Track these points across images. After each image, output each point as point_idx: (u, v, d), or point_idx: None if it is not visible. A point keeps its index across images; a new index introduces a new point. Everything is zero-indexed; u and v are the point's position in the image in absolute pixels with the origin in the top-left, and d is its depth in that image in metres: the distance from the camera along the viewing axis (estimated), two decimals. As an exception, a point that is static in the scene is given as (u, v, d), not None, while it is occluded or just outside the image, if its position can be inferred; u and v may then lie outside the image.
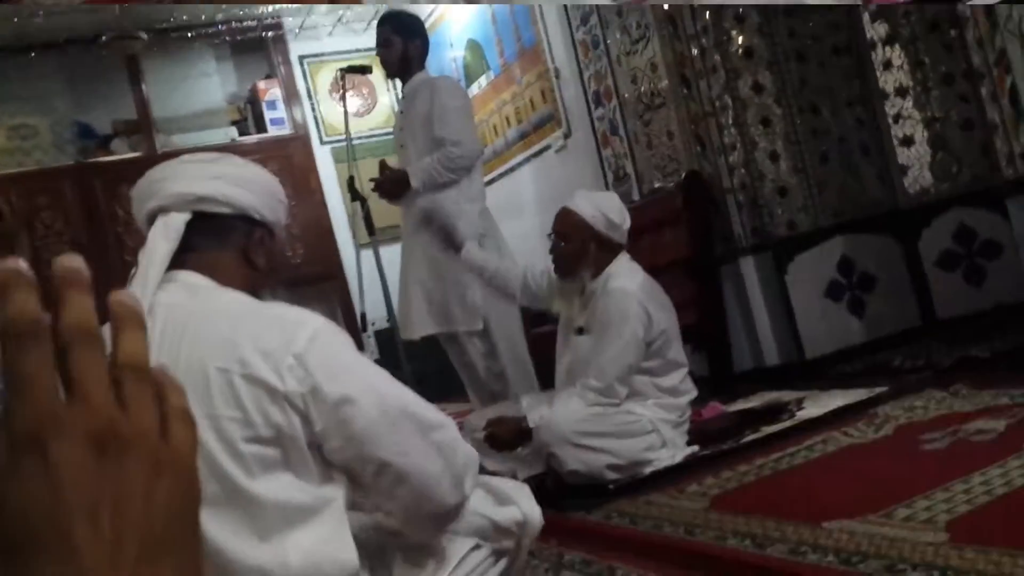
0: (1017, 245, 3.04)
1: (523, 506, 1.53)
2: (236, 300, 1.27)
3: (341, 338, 1.25)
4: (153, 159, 6.27)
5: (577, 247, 2.87)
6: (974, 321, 3.90)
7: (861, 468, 2.42)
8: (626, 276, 2.87)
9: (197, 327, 1.20)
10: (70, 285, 0.36)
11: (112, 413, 0.36)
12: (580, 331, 2.94)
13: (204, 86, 6.87)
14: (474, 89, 6.10)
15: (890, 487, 2.10)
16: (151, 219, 1.33)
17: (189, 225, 1.31)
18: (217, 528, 1.13)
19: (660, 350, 2.85)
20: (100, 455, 0.35)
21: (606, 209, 2.89)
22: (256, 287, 1.36)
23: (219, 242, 1.34)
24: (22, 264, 0.35)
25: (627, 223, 2.94)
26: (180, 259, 1.30)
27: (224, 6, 6.24)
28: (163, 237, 1.29)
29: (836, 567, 1.74)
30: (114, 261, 6.17)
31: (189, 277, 1.29)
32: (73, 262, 0.36)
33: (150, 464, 0.36)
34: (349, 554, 1.21)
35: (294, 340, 1.17)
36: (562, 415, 2.74)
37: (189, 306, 1.24)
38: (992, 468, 2.03)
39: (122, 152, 6.42)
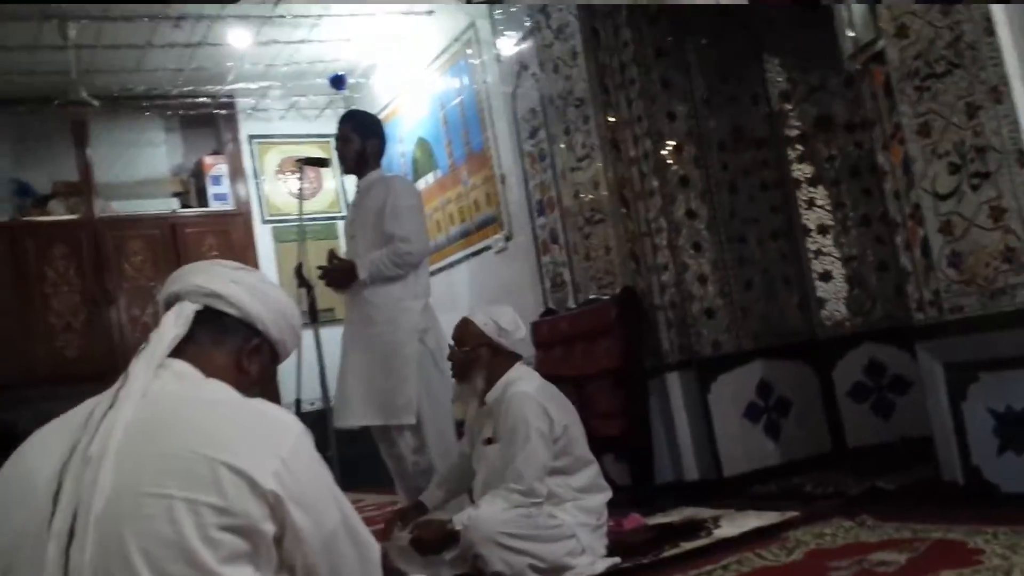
0: (923, 383, 3.26)
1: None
2: (223, 391, 1.33)
3: (311, 445, 1.33)
4: (91, 222, 6.31)
5: (470, 353, 3.07)
6: (881, 451, 4.11)
7: (772, 590, 2.52)
8: (523, 381, 3.03)
9: (187, 413, 1.26)
10: None
11: None
12: (489, 441, 3.05)
13: (150, 155, 6.91)
14: (421, 184, 6.27)
15: (798, 611, 2.19)
16: (168, 305, 1.43)
17: (197, 317, 1.40)
18: None
19: (567, 447, 2.97)
20: None
21: (498, 318, 3.09)
22: (241, 392, 1.43)
23: (218, 340, 1.41)
24: None
25: (520, 332, 3.12)
26: (179, 348, 1.37)
27: (180, 81, 6.33)
28: (173, 323, 1.38)
29: None
30: (36, 322, 6.05)
31: (181, 367, 1.35)
32: None
33: None
34: None
35: (282, 442, 1.24)
36: (488, 514, 2.80)
37: (179, 392, 1.30)
38: (893, 599, 2.15)
39: (59, 213, 6.37)
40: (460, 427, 3.83)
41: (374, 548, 1.39)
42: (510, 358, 3.10)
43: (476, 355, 3.06)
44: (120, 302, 6.20)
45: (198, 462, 1.19)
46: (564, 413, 3.01)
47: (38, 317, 6.05)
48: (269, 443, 1.24)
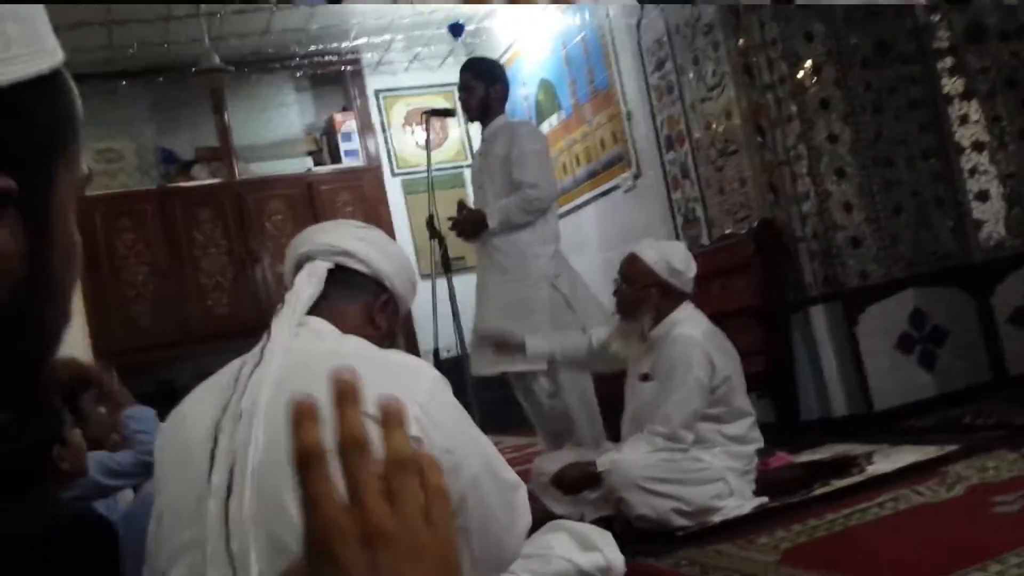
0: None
1: (607, 552, 1.59)
2: (360, 345, 1.37)
3: (449, 390, 1.35)
4: (232, 185, 6.57)
5: (639, 291, 2.96)
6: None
7: (933, 529, 2.42)
8: (689, 323, 2.92)
9: (327, 367, 1.29)
10: (343, 399, 0.45)
11: (380, 513, 0.44)
12: (645, 377, 2.99)
13: (283, 116, 7.10)
14: (545, 127, 6.21)
15: (963, 550, 2.10)
16: (298, 265, 1.48)
17: (329, 276, 1.44)
18: None
19: (724, 397, 2.89)
20: (374, 551, 0.43)
21: (670, 257, 2.97)
22: (374, 344, 1.45)
23: (350, 296, 1.46)
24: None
25: (692, 272, 3.00)
26: (314, 306, 1.42)
27: (306, 40, 6.46)
28: (307, 283, 1.42)
29: (911, 629, 1.76)
30: (188, 283, 6.39)
31: (318, 324, 1.40)
32: (347, 375, 0.45)
33: (413, 552, 0.44)
34: None
35: (419, 388, 1.27)
36: (631, 459, 2.79)
37: (319, 348, 1.34)
38: (1069, 536, 2.03)
39: (202, 178, 6.66)
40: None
41: (521, 489, 1.40)
42: (679, 297, 3.00)
43: (645, 294, 2.96)
44: (264, 260, 6.45)
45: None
46: (728, 361, 2.92)
47: (190, 278, 6.37)
48: (406, 390, 1.25)
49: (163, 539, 1.28)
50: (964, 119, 4.25)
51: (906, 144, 4.29)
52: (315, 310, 1.40)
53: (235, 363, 1.37)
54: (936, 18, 4.29)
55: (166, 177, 6.65)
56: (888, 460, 3.14)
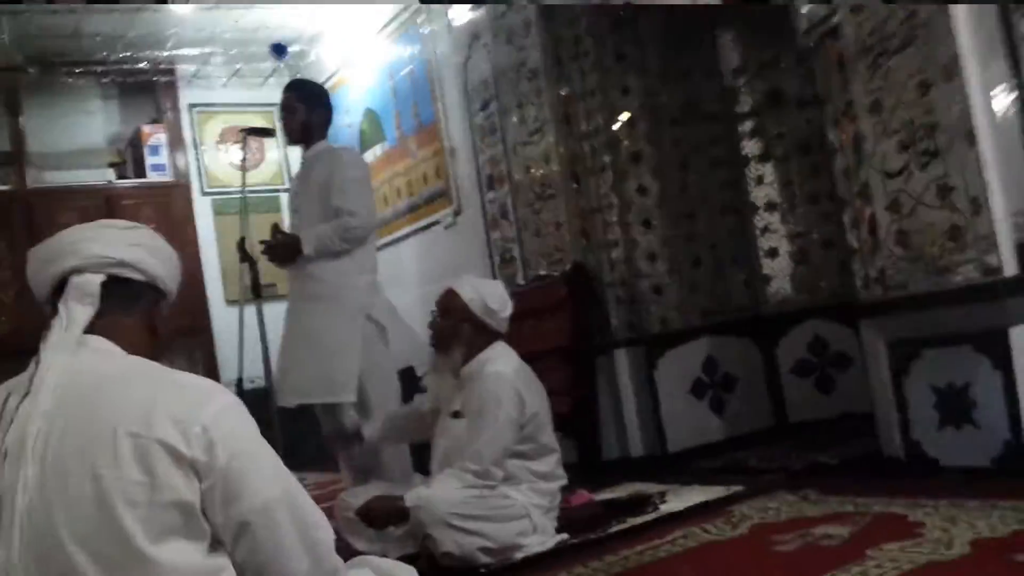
0: (866, 360, 3.30)
1: (411, 589, 1.56)
2: (146, 366, 1.30)
3: (247, 417, 1.29)
4: (22, 193, 6.08)
5: (453, 325, 2.99)
6: (823, 427, 4.17)
7: (719, 565, 2.54)
8: (501, 361, 2.97)
9: (108, 393, 1.21)
10: None
11: None
12: (456, 415, 3.00)
13: (85, 124, 6.68)
14: (369, 157, 6.16)
15: (745, 585, 2.21)
16: (57, 281, 1.34)
17: (102, 288, 1.33)
18: None
19: (533, 434, 2.94)
20: None
21: (487, 295, 3.01)
22: (157, 354, 1.38)
23: (128, 308, 1.37)
24: None
25: (506, 312, 3.05)
26: (89, 322, 1.31)
27: (119, 47, 6.11)
28: (78, 300, 1.31)
29: (696, 662, 1.82)
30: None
31: (98, 343, 1.30)
32: None
33: None
34: None
35: (203, 410, 1.21)
36: (440, 495, 2.77)
37: (100, 371, 1.25)
38: (837, 572, 2.18)
39: (-11, 183, 6.12)
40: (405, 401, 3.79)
41: (326, 531, 1.35)
42: (492, 336, 3.03)
43: (459, 329, 2.98)
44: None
45: (122, 439, 1.16)
46: (536, 398, 2.96)
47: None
48: (190, 411, 1.21)
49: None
50: (760, 180, 4.60)
51: (708, 200, 4.57)
52: (92, 328, 1.30)
53: (3, 388, 1.26)
54: (741, 82, 4.62)
55: (-54, 180, 6.08)
56: (680, 499, 3.29)
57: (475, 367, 2.96)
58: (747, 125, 4.62)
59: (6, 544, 1.14)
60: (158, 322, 1.41)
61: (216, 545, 1.24)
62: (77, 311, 1.29)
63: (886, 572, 2.13)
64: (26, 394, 1.21)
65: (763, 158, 4.60)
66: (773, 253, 4.59)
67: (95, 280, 1.33)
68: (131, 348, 1.32)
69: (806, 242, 4.54)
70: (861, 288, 3.26)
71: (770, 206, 4.59)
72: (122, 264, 1.35)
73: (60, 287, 1.33)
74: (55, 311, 1.31)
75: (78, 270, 1.33)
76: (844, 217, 3.32)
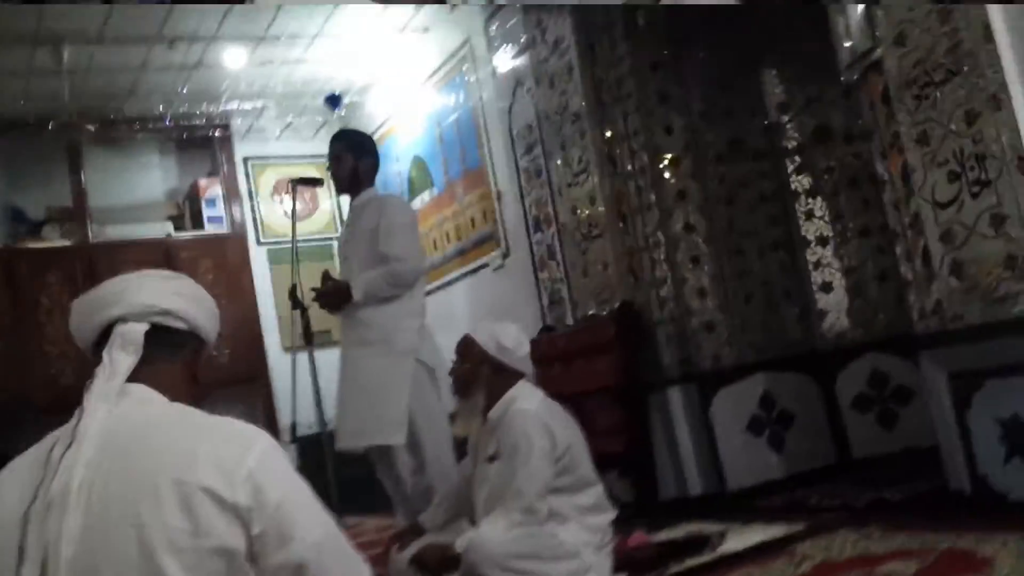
0: (927, 393, 3.23)
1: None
2: (188, 413, 1.31)
3: (285, 457, 1.31)
4: (84, 248, 6.28)
5: (471, 369, 3.01)
6: (886, 462, 4.07)
7: (780, 606, 2.48)
8: (525, 399, 2.98)
9: (151, 440, 1.23)
10: None
11: None
12: (491, 459, 3.00)
13: (144, 179, 6.88)
14: (417, 203, 6.25)
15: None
16: (102, 330, 1.37)
17: (146, 337, 1.36)
18: None
19: (569, 466, 2.91)
20: None
21: (500, 336, 3.03)
22: (198, 402, 1.40)
23: (171, 356, 1.39)
24: None
25: (523, 350, 3.06)
26: (133, 370, 1.33)
27: (174, 103, 6.32)
28: (122, 348, 1.33)
29: None
30: (32, 349, 6.00)
31: (143, 392, 1.32)
32: None
33: None
34: None
35: (247, 454, 1.22)
36: (489, 536, 2.75)
37: (143, 419, 1.27)
38: (904, 612, 2.12)
39: (53, 239, 6.34)
40: (461, 447, 3.79)
41: (365, 565, 1.35)
42: (513, 376, 3.04)
43: (477, 372, 3.01)
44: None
45: (165, 487, 1.17)
46: (567, 431, 2.95)
47: (34, 345, 6.00)
48: (234, 456, 1.22)
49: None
50: (809, 214, 4.55)
51: (756, 236, 4.54)
52: (134, 376, 1.32)
53: (47, 440, 1.27)
54: (786, 118, 4.61)
55: (13, 237, 6.30)
56: (739, 539, 3.22)
57: (501, 409, 2.97)
58: (794, 160, 4.60)
59: None
60: (199, 370, 1.43)
61: None
62: (121, 359, 1.31)
63: (954, 611, 2.07)
64: (70, 444, 1.22)
65: (812, 193, 4.57)
66: (827, 287, 4.53)
67: (139, 329, 1.35)
68: (173, 396, 1.34)
69: (860, 275, 4.47)
70: (918, 320, 3.20)
71: (821, 240, 4.54)
72: (166, 313, 1.38)
73: (104, 336, 1.35)
74: (99, 360, 1.33)
75: (123, 319, 1.36)
76: (897, 249, 3.27)
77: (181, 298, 1.41)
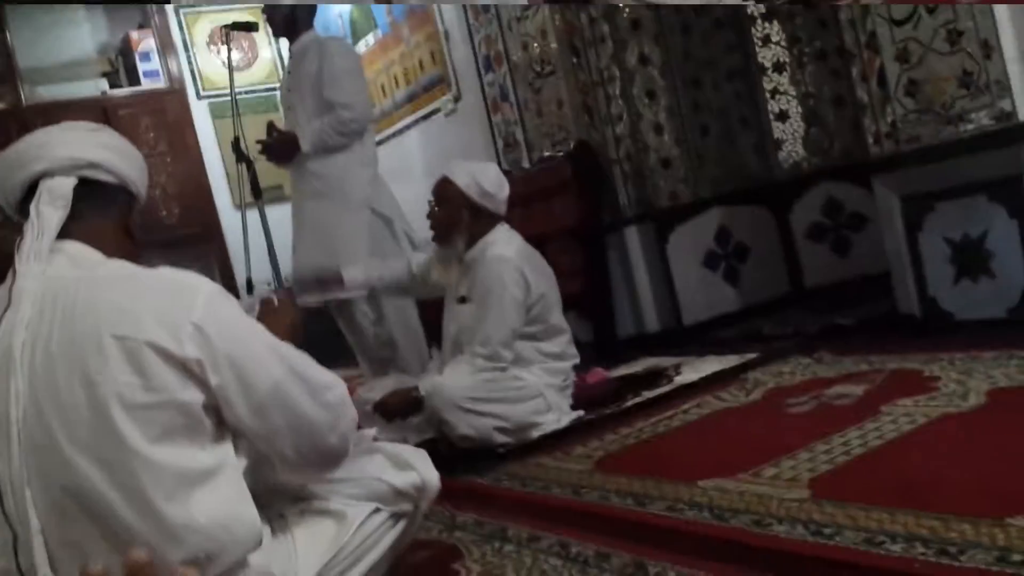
0: (879, 217, 3.24)
1: (421, 471, 1.59)
2: (127, 269, 1.27)
3: (232, 302, 1.28)
4: (18, 111, 5.99)
5: (451, 214, 2.95)
6: (840, 290, 4.14)
7: (733, 431, 2.56)
8: (503, 244, 2.94)
9: (91, 297, 1.19)
10: None
11: None
12: (463, 300, 3.00)
13: (73, 35, 6.50)
14: (361, 47, 5.99)
15: (759, 448, 2.23)
16: (27, 187, 1.31)
17: (74, 192, 1.29)
18: (117, 492, 1.14)
19: (540, 315, 2.93)
20: None
21: (481, 179, 2.95)
22: (135, 258, 1.35)
23: (103, 212, 1.34)
24: None
25: (503, 193, 3.00)
26: (64, 228, 1.28)
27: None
28: (49, 204, 1.27)
29: (710, 522, 1.86)
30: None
31: (76, 248, 1.27)
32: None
33: None
34: (252, 513, 1.26)
35: (191, 306, 1.19)
36: (452, 381, 2.80)
37: (80, 276, 1.23)
38: (851, 430, 2.19)
39: (-16, 102, 6.03)
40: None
41: (337, 387, 1.35)
42: (492, 219, 2.99)
43: (457, 216, 2.94)
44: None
45: (109, 343, 1.14)
46: (542, 279, 2.94)
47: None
48: (178, 309, 1.19)
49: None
50: (766, 40, 4.42)
51: (713, 64, 4.42)
52: (66, 233, 1.27)
53: None
54: (740, -62, 4.40)
55: (-60, 102, 5.98)
56: (694, 370, 3.30)
57: (477, 252, 2.94)
58: (750, -17, 4.43)
59: (4, 458, 1.14)
60: (134, 226, 1.38)
61: (217, 438, 1.24)
62: (49, 215, 1.26)
63: (901, 427, 2.14)
64: (7, 307, 1.19)
65: (768, 16, 4.42)
66: (783, 116, 4.46)
67: (67, 183, 1.29)
68: (108, 253, 1.29)
69: (817, 102, 4.40)
70: (872, 144, 3.17)
71: (778, 67, 4.44)
72: (93, 166, 1.31)
73: (29, 194, 1.29)
74: (25, 219, 1.27)
75: (48, 173, 1.29)
76: (853, 71, 3.20)
77: (108, 150, 1.34)
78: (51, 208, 1.26)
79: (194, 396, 1.18)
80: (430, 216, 3.01)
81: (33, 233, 1.24)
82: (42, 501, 1.14)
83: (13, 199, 1.32)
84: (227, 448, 1.26)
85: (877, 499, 1.72)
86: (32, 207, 1.27)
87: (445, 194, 2.96)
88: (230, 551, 1.21)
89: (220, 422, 1.24)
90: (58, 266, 1.23)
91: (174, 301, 1.19)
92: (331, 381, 1.34)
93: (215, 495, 1.20)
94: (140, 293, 1.20)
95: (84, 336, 1.15)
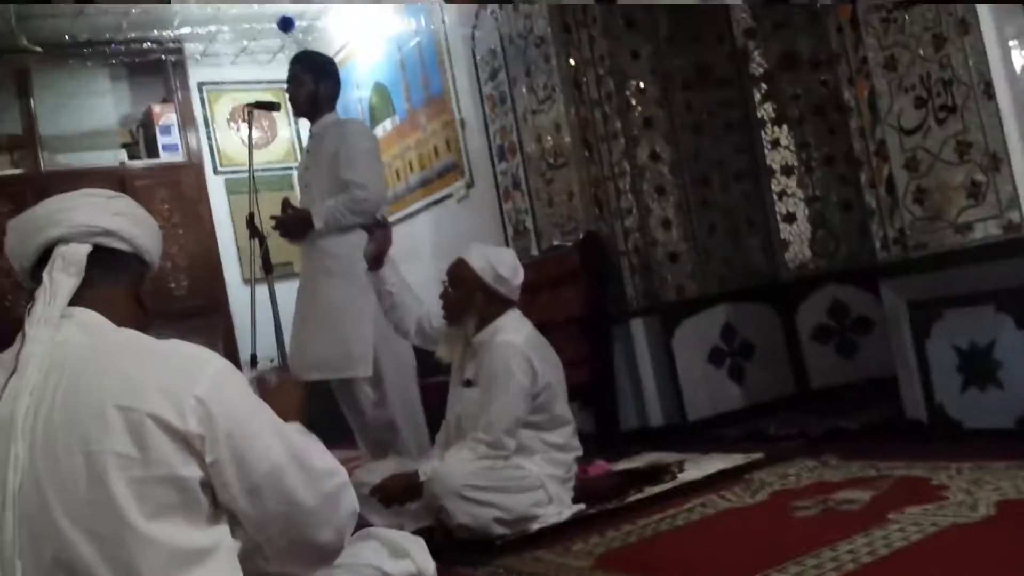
0: (887, 322, 3.25)
1: (418, 559, 1.54)
2: (136, 339, 1.26)
3: (241, 380, 1.26)
4: (36, 176, 6.09)
5: (464, 295, 2.95)
6: (844, 392, 4.12)
7: (737, 532, 2.51)
8: (512, 330, 2.93)
9: (98, 366, 1.18)
10: None
11: None
12: (468, 383, 2.98)
13: (96, 106, 6.65)
14: (379, 131, 6.11)
15: (764, 552, 2.18)
16: (41, 252, 1.31)
17: (88, 259, 1.30)
18: (108, 567, 1.11)
19: (546, 404, 2.91)
20: None
21: (496, 263, 2.97)
22: (144, 327, 1.35)
23: (115, 280, 1.33)
24: None
25: (518, 280, 3.01)
26: (75, 294, 1.27)
27: (124, 26, 6.08)
28: (63, 270, 1.27)
29: (714, 630, 1.81)
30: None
31: (87, 315, 1.26)
32: None
33: None
34: None
35: (196, 380, 1.17)
36: (452, 467, 2.75)
37: (88, 344, 1.22)
38: (858, 537, 2.14)
39: (3, 167, 6.14)
40: (428, 373, 3.76)
41: (338, 475, 1.32)
42: (504, 303, 2.99)
43: (470, 298, 2.94)
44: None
45: (112, 414, 1.13)
46: (549, 369, 2.93)
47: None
48: (183, 383, 1.17)
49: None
50: (775, 143, 4.51)
51: (722, 165, 4.50)
52: (77, 299, 1.26)
53: None
54: (753, 44, 4.53)
55: (-39, 165, 6.09)
56: (698, 467, 3.25)
57: (487, 336, 2.93)
58: (761, 88, 4.53)
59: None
60: (144, 295, 1.38)
61: (213, 518, 1.21)
62: (62, 282, 1.25)
63: (909, 536, 2.10)
64: (13, 371, 1.18)
65: (778, 121, 4.52)
66: (791, 218, 4.51)
67: (82, 250, 1.29)
68: (118, 320, 1.28)
69: (824, 205, 4.46)
70: (880, 249, 3.20)
71: (786, 170, 4.51)
72: (108, 233, 1.31)
73: (43, 259, 1.29)
74: (38, 284, 1.27)
75: (63, 240, 1.29)
76: (861, 177, 3.25)
77: (123, 218, 1.34)
78: (64, 275, 1.26)
79: (193, 472, 1.16)
80: (443, 296, 3.01)
81: (45, 299, 1.24)
82: (32, 572, 1.11)
83: (28, 264, 1.32)
84: (223, 529, 1.22)
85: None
86: (45, 273, 1.27)
87: (460, 275, 2.97)
88: None
89: (217, 502, 1.21)
90: (67, 332, 1.23)
91: (180, 374, 1.18)
92: (332, 468, 1.31)
93: (208, 575, 1.17)
94: (147, 364, 1.19)
95: (87, 405, 1.14)
